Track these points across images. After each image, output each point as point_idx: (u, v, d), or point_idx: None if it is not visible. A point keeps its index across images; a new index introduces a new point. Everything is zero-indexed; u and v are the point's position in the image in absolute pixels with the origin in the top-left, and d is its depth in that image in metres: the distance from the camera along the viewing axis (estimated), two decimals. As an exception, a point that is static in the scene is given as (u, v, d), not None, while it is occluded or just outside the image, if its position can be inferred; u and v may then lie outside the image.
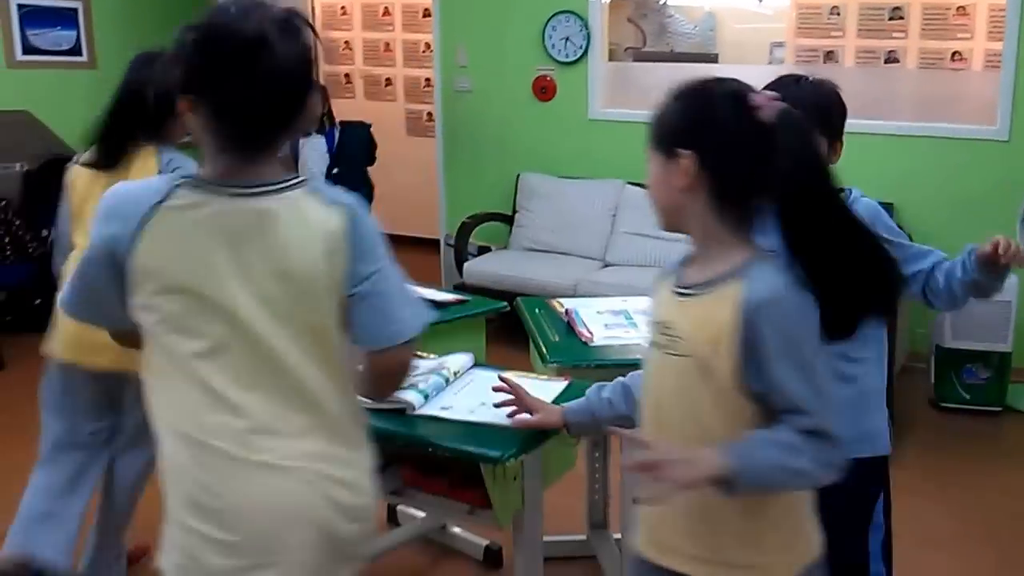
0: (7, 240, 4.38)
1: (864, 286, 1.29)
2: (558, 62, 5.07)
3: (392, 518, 2.87)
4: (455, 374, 1.93)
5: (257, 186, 1.28)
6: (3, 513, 2.92)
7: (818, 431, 1.22)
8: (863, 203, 1.79)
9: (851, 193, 1.79)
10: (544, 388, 1.82)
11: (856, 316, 1.29)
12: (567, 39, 5.02)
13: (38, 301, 4.62)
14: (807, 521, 1.34)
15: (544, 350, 2.22)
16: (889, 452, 1.89)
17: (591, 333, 2.32)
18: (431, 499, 1.82)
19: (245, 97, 1.23)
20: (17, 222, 4.43)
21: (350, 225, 1.29)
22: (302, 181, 1.31)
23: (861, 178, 4.93)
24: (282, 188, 1.28)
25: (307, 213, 1.28)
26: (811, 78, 1.80)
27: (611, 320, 2.42)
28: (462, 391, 1.87)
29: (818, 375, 1.24)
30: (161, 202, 1.26)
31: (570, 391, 1.82)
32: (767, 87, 1.51)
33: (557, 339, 2.31)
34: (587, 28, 4.95)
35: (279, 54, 1.22)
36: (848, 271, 1.27)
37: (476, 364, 2.02)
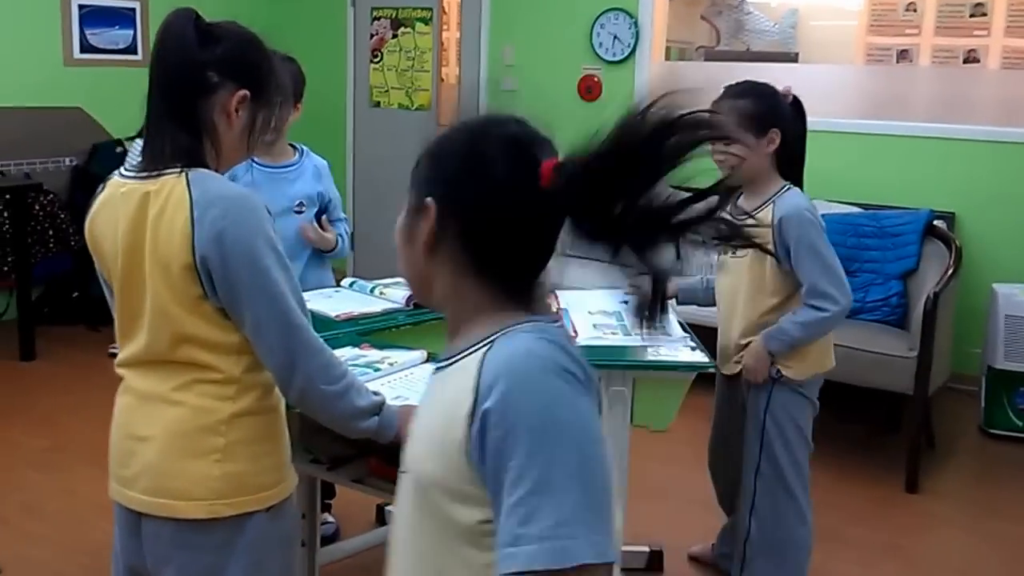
0: (51, 232, 4.63)
1: None
2: (605, 61, 5.13)
3: (380, 518, 3.03)
4: (390, 364, 2.05)
5: None
6: (19, 492, 3.19)
7: None
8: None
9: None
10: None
11: None
12: (615, 37, 5.09)
13: (76, 294, 4.88)
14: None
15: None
16: None
17: (576, 332, 2.39)
18: (393, 486, 1.93)
19: None
20: (62, 215, 4.67)
21: None
22: None
23: (921, 185, 4.80)
24: None
25: None
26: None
27: (601, 320, 2.48)
28: (388, 381, 1.97)
29: None
30: None
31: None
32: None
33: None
34: (636, 26, 5.02)
35: None
36: None
37: (432, 359, 2.08)
